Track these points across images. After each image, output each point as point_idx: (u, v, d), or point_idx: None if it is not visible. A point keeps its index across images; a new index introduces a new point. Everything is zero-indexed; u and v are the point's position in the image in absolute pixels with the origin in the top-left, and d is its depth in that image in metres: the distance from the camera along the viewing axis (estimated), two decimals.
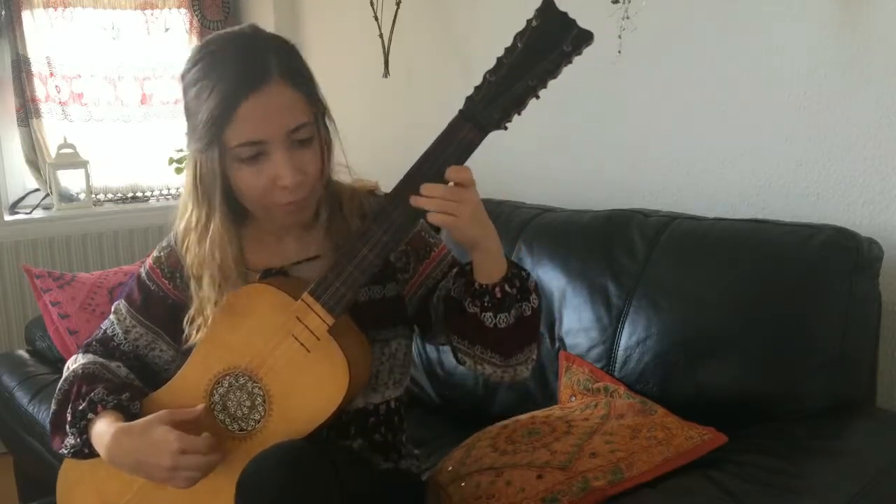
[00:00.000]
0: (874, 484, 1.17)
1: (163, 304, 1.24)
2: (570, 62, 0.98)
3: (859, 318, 1.34)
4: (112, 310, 1.29)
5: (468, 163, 1.02)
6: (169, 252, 1.24)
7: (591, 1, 1.58)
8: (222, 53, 1.07)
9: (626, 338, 1.50)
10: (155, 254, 1.26)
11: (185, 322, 1.18)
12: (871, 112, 1.49)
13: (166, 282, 1.24)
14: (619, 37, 1.67)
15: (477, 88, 1.00)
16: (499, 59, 0.99)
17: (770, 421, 1.32)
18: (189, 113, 1.10)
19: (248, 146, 1.06)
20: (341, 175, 1.21)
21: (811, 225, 1.42)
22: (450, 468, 1.32)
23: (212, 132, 1.05)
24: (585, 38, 0.96)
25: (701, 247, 1.48)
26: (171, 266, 1.23)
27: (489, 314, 1.06)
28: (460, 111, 1.00)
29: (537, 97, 1.00)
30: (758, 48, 1.64)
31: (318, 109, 1.12)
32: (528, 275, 1.10)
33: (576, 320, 1.59)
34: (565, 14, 0.97)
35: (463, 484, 1.26)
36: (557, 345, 1.62)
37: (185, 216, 1.16)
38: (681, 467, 1.21)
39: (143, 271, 1.27)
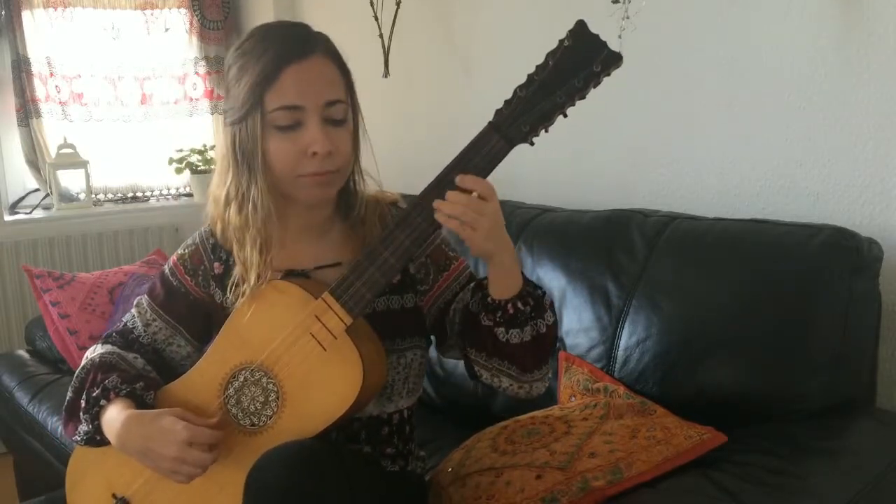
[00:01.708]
0: (874, 484, 1.17)
1: (184, 300, 1.27)
2: (599, 82, 1.00)
3: (859, 318, 1.34)
4: (134, 304, 1.32)
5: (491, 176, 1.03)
6: (193, 250, 1.27)
7: (591, 1, 1.59)
8: (271, 30, 1.15)
9: (626, 338, 1.50)
10: (179, 251, 1.29)
11: (228, 288, 1.20)
12: (871, 112, 1.49)
13: (189, 279, 1.26)
14: (619, 37, 1.66)
15: (507, 102, 1.01)
16: (530, 76, 1.01)
17: (770, 421, 1.32)
18: (230, 86, 1.15)
19: (285, 110, 1.10)
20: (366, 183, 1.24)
21: (811, 225, 1.42)
22: (450, 469, 1.32)
23: (255, 95, 1.10)
24: (615, 59, 0.98)
25: (701, 247, 1.48)
26: (195, 264, 1.26)
27: (501, 329, 1.08)
28: (490, 122, 1.02)
29: (565, 115, 1.01)
30: (758, 48, 1.64)
31: (353, 101, 1.17)
32: (544, 293, 1.12)
33: (576, 320, 1.59)
34: (597, 36, 0.99)
35: (463, 486, 1.26)
36: (557, 345, 1.62)
37: (226, 186, 1.17)
38: (680, 467, 1.21)
39: (166, 268, 1.29)
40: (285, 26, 1.18)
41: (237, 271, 1.18)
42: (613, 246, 1.59)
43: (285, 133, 1.10)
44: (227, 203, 1.17)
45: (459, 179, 1.02)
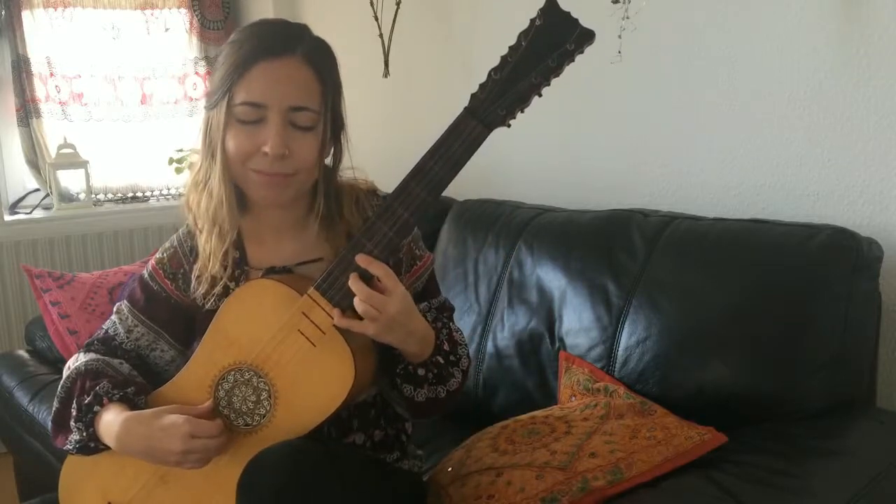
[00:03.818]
0: (874, 484, 1.17)
1: (165, 304, 1.26)
2: (573, 60, 1.00)
3: (859, 318, 1.34)
4: (114, 310, 1.30)
5: (471, 160, 1.03)
6: (172, 253, 1.26)
7: (591, 1, 1.59)
8: (264, 25, 1.16)
9: (626, 338, 1.50)
10: (158, 255, 1.28)
11: (192, 278, 1.22)
12: (871, 112, 1.49)
13: (168, 282, 1.25)
14: (619, 37, 1.67)
15: (482, 86, 1.01)
16: (503, 58, 1.00)
17: (770, 421, 1.32)
18: (215, 71, 1.16)
19: (249, 107, 1.10)
20: (343, 173, 1.23)
21: (811, 225, 1.42)
22: (450, 469, 1.32)
23: (225, 85, 1.11)
24: (588, 36, 0.99)
25: (701, 247, 1.48)
26: (174, 267, 1.25)
27: (398, 379, 1.16)
28: (466, 108, 1.02)
29: (540, 95, 1.01)
30: (758, 48, 1.64)
31: (330, 113, 1.14)
32: (457, 359, 1.18)
33: (576, 320, 1.59)
34: (568, 13, 0.99)
35: (463, 486, 1.26)
36: (557, 345, 1.62)
37: (194, 171, 1.20)
38: (680, 467, 1.20)
39: (145, 272, 1.28)
40: (278, 23, 1.17)
41: (200, 262, 1.20)
42: (613, 246, 1.59)
43: (245, 126, 1.11)
44: (195, 187, 1.19)
45: (360, 259, 1.05)
